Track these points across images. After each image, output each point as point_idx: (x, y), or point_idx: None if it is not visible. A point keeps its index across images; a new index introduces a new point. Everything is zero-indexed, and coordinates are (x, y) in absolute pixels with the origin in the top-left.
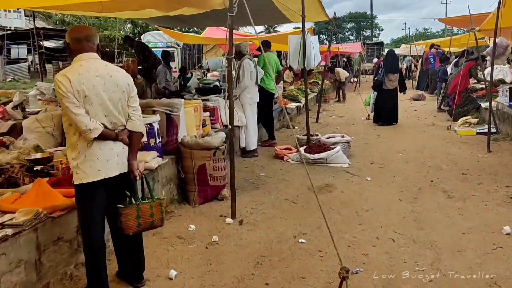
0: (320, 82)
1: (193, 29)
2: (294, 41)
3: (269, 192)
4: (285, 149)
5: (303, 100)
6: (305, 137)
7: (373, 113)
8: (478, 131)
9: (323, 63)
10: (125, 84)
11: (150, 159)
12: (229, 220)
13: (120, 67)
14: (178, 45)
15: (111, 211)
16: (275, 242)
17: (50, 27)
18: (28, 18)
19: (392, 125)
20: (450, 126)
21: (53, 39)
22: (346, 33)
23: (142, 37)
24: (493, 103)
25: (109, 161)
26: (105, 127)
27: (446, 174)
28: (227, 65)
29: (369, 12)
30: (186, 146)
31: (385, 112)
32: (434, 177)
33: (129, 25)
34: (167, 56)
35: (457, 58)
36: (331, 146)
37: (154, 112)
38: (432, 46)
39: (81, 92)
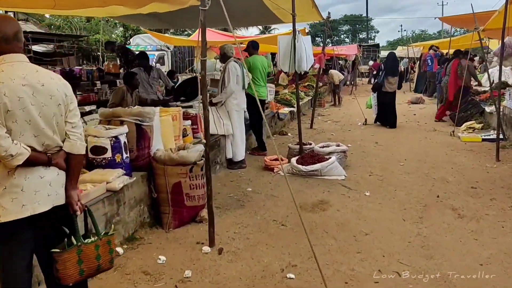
0: (315, 86)
1: (186, 31)
2: (284, 43)
3: (256, 211)
4: (276, 159)
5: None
6: (298, 146)
7: (375, 115)
8: (483, 137)
9: (317, 65)
10: (61, 94)
11: (113, 179)
12: (206, 248)
13: (101, 69)
14: (169, 48)
15: (43, 256)
16: (258, 278)
17: (42, 31)
18: (21, 22)
19: (390, 128)
20: (453, 132)
21: (42, 43)
22: (342, 36)
23: (131, 40)
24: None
25: (38, 193)
26: (34, 149)
27: (454, 188)
28: (221, 68)
29: (364, 15)
30: (158, 161)
31: (388, 114)
32: (440, 191)
33: (120, 29)
34: (143, 58)
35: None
36: (326, 157)
37: (122, 123)
38: (431, 47)
39: (2, 106)
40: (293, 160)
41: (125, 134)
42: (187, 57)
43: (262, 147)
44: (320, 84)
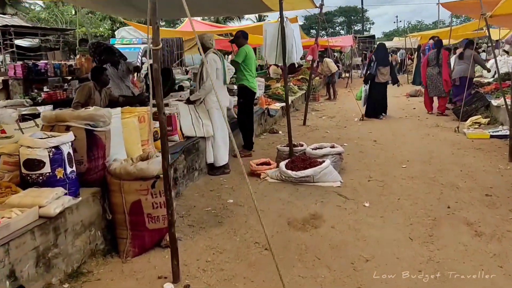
0: (306, 78)
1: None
2: (271, 31)
3: (235, 230)
4: (263, 163)
5: (291, 98)
6: (287, 148)
7: (365, 107)
8: (491, 133)
9: (310, 57)
10: None
11: (49, 201)
12: (168, 286)
13: (73, 65)
14: None
15: None
16: None
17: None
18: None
19: (381, 118)
20: (458, 128)
21: (27, 37)
22: (337, 28)
23: (116, 33)
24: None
25: None
26: None
27: (466, 196)
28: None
29: (359, 6)
30: (113, 175)
31: (376, 105)
32: (450, 200)
33: (108, 22)
34: (110, 53)
35: (461, 49)
36: (319, 160)
37: (68, 129)
38: (432, 38)
39: None
40: (282, 164)
41: (70, 143)
42: (175, 50)
43: (248, 146)
44: (314, 76)
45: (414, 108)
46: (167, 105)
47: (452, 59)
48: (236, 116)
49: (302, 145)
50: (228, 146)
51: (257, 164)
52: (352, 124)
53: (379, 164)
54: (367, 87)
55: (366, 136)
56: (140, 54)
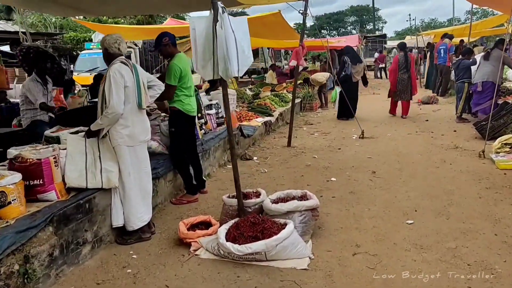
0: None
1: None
2: (202, 30)
3: None
4: (200, 223)
5: (282, 109)
6: (236, 200)
7: (337, 110)
8: None
9: (293, 63)
10: None
11: None
12: None
13: None
14: (136, 45)
15: None
16: None
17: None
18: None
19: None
20: (483, 151)
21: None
22: (349, 27)
23: (93, 36)
24: None
25: None
26: None
27: None
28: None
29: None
30: None
31: (351, 105)
32: None
33: None
34: (42, 60)
35: (488, 49)
36: (279, 222)
37: None
38: (444, 36)
39: None
40: (221, 232)
41: None
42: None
43: (191, 189)
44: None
45: (427, 120)
46: (49, 139)
47: (477, 59)
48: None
49: (258, 195)
50: (151, 198)
51: (190, 226)
52: (349, 144)
53: (375, 217)
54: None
55: (364, 163)
56: None
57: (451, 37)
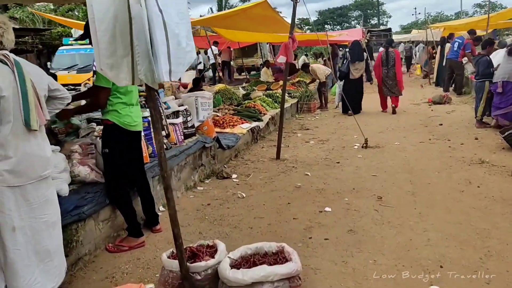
0: (307, 81)
1: None
2: (105, 5)
3: None
4: None
5: (275, 111)
6: (177, 263)
7: (340, 104)
8: None
9: (281, 59)
10: None
11: None
12: None
13: None
14: None
15: None
16: None
17: None
18: None
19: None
20: None
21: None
22: (353, 22)
23: (73, 30)
24: None
25: None
26: None
27: None
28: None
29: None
30: None
31: (352, 101)
32: None
33: None
34: None
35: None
36: None
37: None
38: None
39: None
40: None
41: None
42: None
43: (135, 231)
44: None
45: (441, 124)
46: None
47: (498, 55)
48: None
49: (214, 252)
50: (57, 258)
51: None
52: (349, 156)
53: (383, 276)
54: (341, 83)
55: (367, 184)
56: None
57: (472, 32)
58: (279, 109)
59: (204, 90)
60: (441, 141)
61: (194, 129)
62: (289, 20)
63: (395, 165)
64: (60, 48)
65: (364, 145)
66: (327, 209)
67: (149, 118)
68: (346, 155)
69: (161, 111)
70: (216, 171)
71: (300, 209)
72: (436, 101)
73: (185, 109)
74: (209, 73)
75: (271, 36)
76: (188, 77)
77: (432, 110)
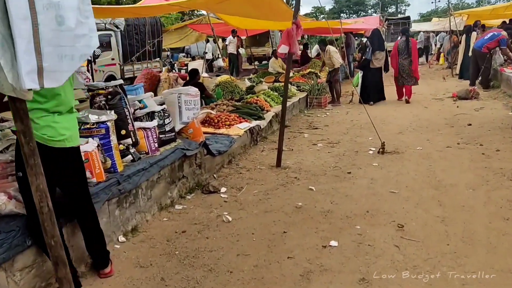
0: (318, 73)
1: None
2: None
3: None
4: None
5: (278, 108)
6: None
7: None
8: None
9: (283, 49)
10: None
11: None
12: None
13: None
14: (118, 27)
15: None
16: None
17: None
18: None
19: (371, 104)
20: None
21: None
22: (369, 11)
23: None
24: None
25: None
26: None
27: None
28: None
29: None
30: None
31: (372, 91)
32: None
33: None
34: None
35: None
36: None
37: None
38: (503, 24)
39: None
40: None
41: None
42: (149, 38)
43: (63, 281)
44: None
45: (470, 125)
46: None
47: None
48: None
49: None
50: None
51: None
52: (363, 165)
53: None
54: (362, 73)
55: (385, 204)
56: None
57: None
58: (290, 103)
59: (202, 83)
60: (471, 146)
61: (173, 133)
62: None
63: (418, 177)
64: None
65: (381, 150)
66: (333, 243)
67: (108, 124)
68: (359, 162)
69: (127, 112)
70: (202, 183)
71: (298, 242)
72: (461, 96)
73: (162, 110)
74: (218, 62)
75: (282, 24)
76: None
77: (457, 106)
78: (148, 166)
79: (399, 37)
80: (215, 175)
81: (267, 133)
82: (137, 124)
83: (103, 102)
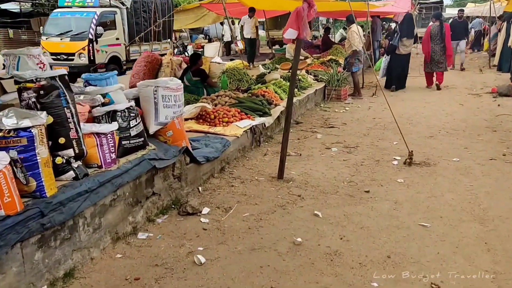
0: (339, 61)
1: None
2: None
3: None
4: None
5: (284, 103)
6: None
7: (384, 79)
8: None
9: (290, 34)
10: None
11: None
12: None
13: None
14: (124, 4)
15: None
16: None
17: None
18: None
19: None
20: None
21: (14, 1)
22: None
23: None
24: None
25: None
26: None
27: None
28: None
29: None
30: None
31: (396, 77)
32: None
33: None
34: None
35: None
36: None
37: None
38: None
39: None
40: None
41: None
42: (158, 16)
43: None
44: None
45: None
46: None
47: None
48: None
49: None
50: None
51: None
52: (385, 180)
53: None
54: (388, 58)
55: (413, 245)
56: (94, 21)
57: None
58: (299, 97)
59: (203, 69)
60: None
61: (141, 139)
62: None
63: (456, 203)
64: (54, 10)
65: (408, 160)
66: None
67: (33, 131)
68: (380, 176)
69: (69, 114)
70: (181, 199)
71: None
72: (502, 92)
73: (127, 108)
74: (234, 46)
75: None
76: (214, 49)
77: (499, 105)
78: (96, 186)
79: (431, 22)
80: (200, 188)
81: (273, 131)
82: (88, 128)
83: (33, 99)
